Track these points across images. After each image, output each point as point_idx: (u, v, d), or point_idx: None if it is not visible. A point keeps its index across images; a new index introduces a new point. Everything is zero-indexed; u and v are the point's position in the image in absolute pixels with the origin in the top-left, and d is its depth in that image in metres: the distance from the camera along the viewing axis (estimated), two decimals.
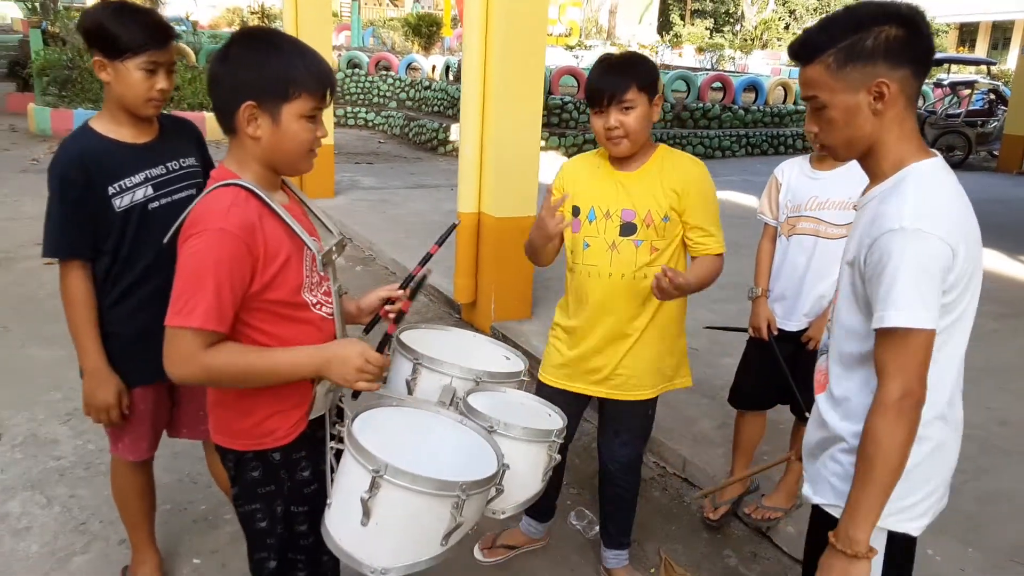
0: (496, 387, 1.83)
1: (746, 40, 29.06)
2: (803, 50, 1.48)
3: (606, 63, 2.22)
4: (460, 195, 4.78)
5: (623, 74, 2.15)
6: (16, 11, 22.23)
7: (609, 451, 2.56)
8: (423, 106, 14.59)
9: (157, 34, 2.01)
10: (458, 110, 12.82)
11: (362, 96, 15.74)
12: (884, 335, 1.39)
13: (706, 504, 3.05)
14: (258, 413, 1.66)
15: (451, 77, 14.46)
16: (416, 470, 1.37)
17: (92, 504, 3.01)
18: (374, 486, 1.37)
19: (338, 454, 1.54)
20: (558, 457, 1.73)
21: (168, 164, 2.15)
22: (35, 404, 3.76)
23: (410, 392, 1.79)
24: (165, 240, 1.58)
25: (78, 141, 2.08)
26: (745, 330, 2.83)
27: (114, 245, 2.09)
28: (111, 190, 2.04)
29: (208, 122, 12.21)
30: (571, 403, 2.47)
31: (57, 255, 2.07)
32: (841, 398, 1.56)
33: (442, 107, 13.89)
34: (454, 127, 12.42)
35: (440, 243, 1.90)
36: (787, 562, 2.87)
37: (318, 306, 1.68)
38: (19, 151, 10.35)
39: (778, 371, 2.73)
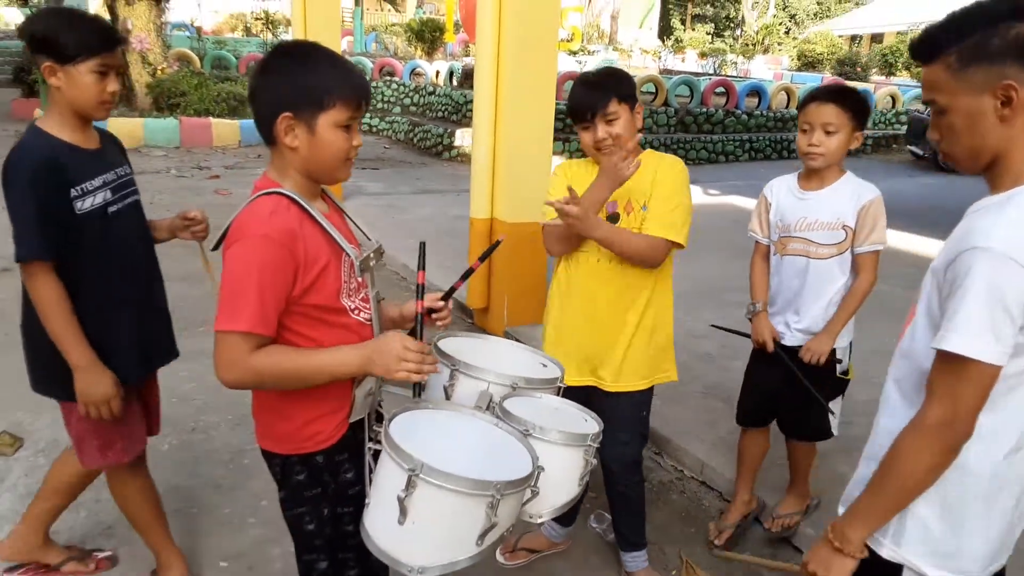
0: (532, 392, 1.86)
1: (747, 45, 29.15)
2: (924, 47, 1.36)
3: (584, 81, 2.35)
4: (473, 200, 4.82)
5: (602, 89, 2.28)
6: (21, 17, 22.29)
7: (610, 451, 2.56)
8: (427, 111, 14.65)
9: (107, 38, 2.07)
10: (462, 115, 13.04)
11: None
12: (942, 357, 1.31)
13: (711, 528, 3.03)
14: (300, 417, 1.71)
15: (455, 82, 14.54)
16: (451, 469, 1.40)
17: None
18: (410, 485, 1.39)
19: (376, 455, 1.56)
20: (594, 461, 1.75)
21: (116, 170, 2.23)
22: (56, 408, 3.78)
23: (448, 398, 1.82)
24: (212, 247, 1.63)
25: (39, 142, 2.07)
26: (750, 336, 2.84)
27: (74, 248, 2.09)
28: (73, 192, 2.07)
29: (214, 128, 12.31)
30: (571, 399, 2.54)
31: (41, 257, 2.03)
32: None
33: (446, 112, 13.95)
34: (459, 132, 12.48)
35: (483, 260, 1.95)
36: None
37: (356, 311, 1.72)
38: None
39: (783, 385, 2.75)
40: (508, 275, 4.75)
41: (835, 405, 2.74)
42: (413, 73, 16.00)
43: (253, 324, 1.51)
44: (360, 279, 1.73)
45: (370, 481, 1.57)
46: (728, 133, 14.13)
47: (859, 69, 23.31)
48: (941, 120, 1.37)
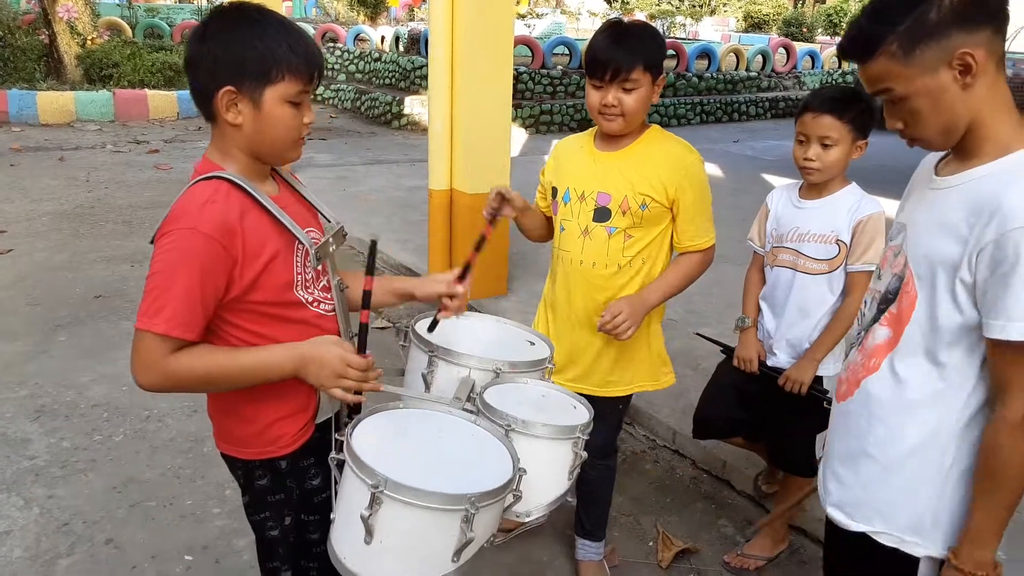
0: (516, 378, 1.75)
1: (695, 6, 29.15)
2: (858, 45, 1.31)
3: (614, 32, 2.06)
4: (431, 171, 4.69)
5: (631, 50, 2.01)
6: None
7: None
8: (374, 79, 14.29)
9: None
10: (411, 82, 12.77)
11: None
12: (1008, 347, 1.25)
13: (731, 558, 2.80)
14: (261, 420, 1.57)
15: (401, 48, 14.19)
16: (420, 483, 1.27)
17: (73, 504, 2.90)
18: (375, 502, 1.26)
19: (341, 465, 1.42)
20: (584, 454, 1.63)
21: None
22: (2, 402, 3.61)
23: (427, 387, 1.71)
24: (150, 241, 1.45)
25: None
26: (731, 350, 2.65)
27: None
28: None
29: (150, 100, 11.82)
30: None
31: None
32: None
33: (394, 79, 13.62)
34: (408, 100, 12.21)
35: (492, 222, 1.87)
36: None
37: (315, 303, 1.57)
38: None
39: (762, 405, 2.55)
40: (469, 248, 4.63)
41: (820, 439, 2.48)
42: (357, 39, 15.54)
43: (171, 326, 1.35)
44: (320, 268, 1.58)
45: (335, 493, 1.43)
46: (679, 96, 14.10)
47: (805, 30, 23.52)
48: (901, 107, 1.31)
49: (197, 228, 1.36)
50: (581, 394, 2.31)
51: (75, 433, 3.36)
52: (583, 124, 12.64)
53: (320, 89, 14.58)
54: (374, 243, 1.51)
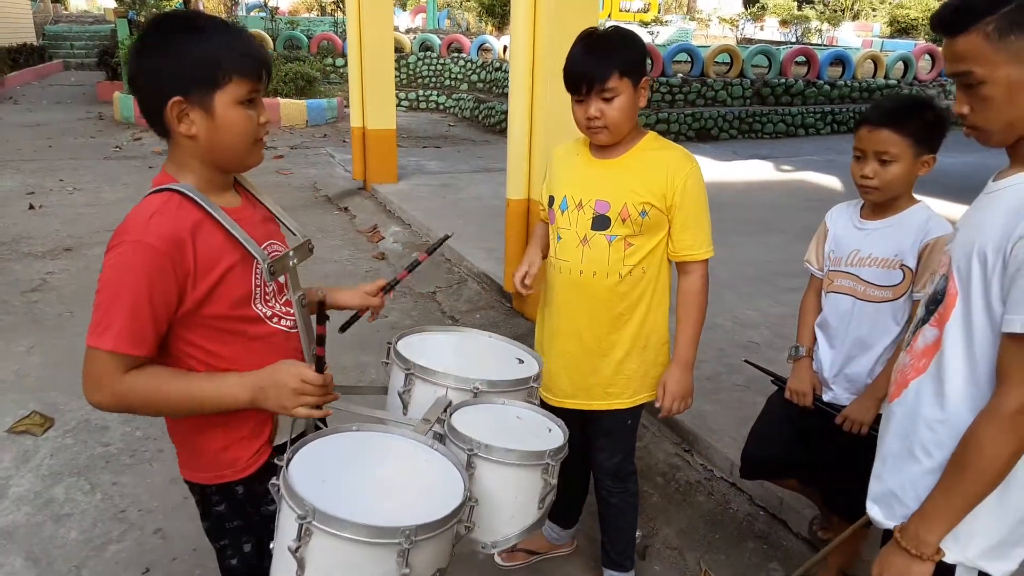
0: (494, 398, 1.67)
1: (835, 11, 27.70)
2: (956, 17, 1.28)
3: (586, 43, 2.01)
4: (509, 181, 4.65)
5: (603, 58, 1.96)
6: (111, 1, 23.18)
7: (591, 458, 2.42)
8: (494, 88, 14.47)
9: None
10: None
11: (434, 79, 15.76)
12: (1014, 340, 1.26)
13: None
14: (215, 443, 1.53)
15: None
16: (348, 515, 1.19)
17: (133, 492, 3.06)
18: (303, 534, 1.20)
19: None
20: (554, 482, 1.53)
21: None
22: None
23: (405, 407, 1.65)
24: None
25: None
26: (783, 381, 2.44)
27: None
28: None
29: (282, 108, 12.48)
30: (573, 418, 2.34)
31: None
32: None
33: None
34: None
35: (430, 252, 1.81)
36: None
37: (275, 319, 1.52)
38: (104, 138, 10.78)
39: (815, 441, 2.33)
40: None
41: None
42: (481, 49, 15.81)
43: (120, 343, 1.33)
44: (281, 282, 1.54)
45: (277, 523, 1.36)
46: (808, 104, 13.44)
47: None
48: (975, 92, 1.29)
49: (143, 240, 1.33)
50: (586, 410, 2.27)
51: (149, 424, 3.54)
52: (701, 134, 12.27)
53: (442, 99, 14.97)
54: (322, 305, 1.42)
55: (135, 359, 1.36)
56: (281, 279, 1.54)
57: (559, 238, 2.18)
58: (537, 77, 4.35)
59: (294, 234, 1.65)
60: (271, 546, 1.34)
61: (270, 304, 1.52)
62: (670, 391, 2.18)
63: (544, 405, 2.28)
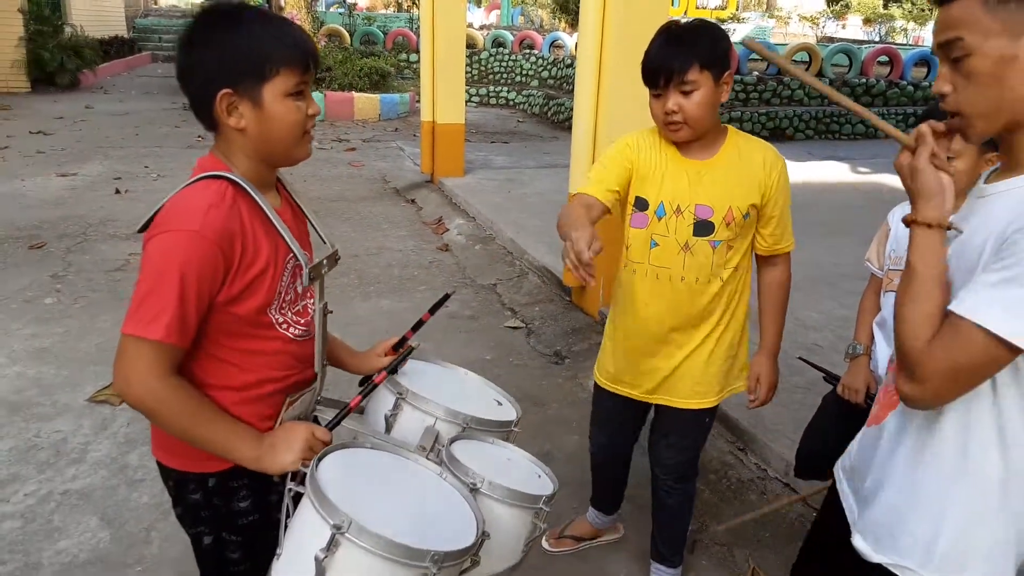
0: (483, 436, 1.65)
1: (923, 10, 26.67)
2: None
3: (665, 35, 1.96)
4: (572, 175, 4.69)
5: (683, 50, 1.89)
6: None
7: (656, 454, 2.39)
8: (564, 84, 14.47)
9: None
10: None
11: (505, 75, 15.86)
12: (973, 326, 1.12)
13: None
14: None
15: None
16: (384, 531, 1.19)
17: None
18: (333, 544, 1.18)
19: (297, 497, 1.34)
20: (544, 527, 1.51)
21: None
22: None
23: (388, 428, 1.63)
24: (138, 229, 1.44)
25: None
26: (836, 379, 2.43)
27: None
28: None
29: (356, 102, 12.76)
30: (627, 408, 2.36)
31: None
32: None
33: None
34: None
35: (432, 311, 1.78)
36: None
37: (284, 325, 1.50)
38: (187, 128, 11.20)
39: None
40: (605, 254, 4.53)
41: None
42: (553, 45, 15.84)
43: (169, 333, 1.30)
44: (299, 290, 1.53)
45: (285, 526, 1.34)
46: (890, 106, 13.02)
47: None
48: (960, 67, 1.15)
49: (201, 233, 1.31)
50: (664, 406, 2.27)
51: None
52: (776, 133, 12.02)
53: (512, 95, 15.05)
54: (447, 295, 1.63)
55: (179, 352, 1.35)
56: (298, 288, 1.54)
57: (654, 244, 2.09)
58: (604, 73, 4.36)
59: (324, 242, 1.65)
60: (278, 551, 1.32)
61: (283, 311, 1.50)
62: (765, 381, 2.20)
63: (621, 398, 2.33)
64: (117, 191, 7.49)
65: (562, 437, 3.50)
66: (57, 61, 14.24)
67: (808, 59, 13.32)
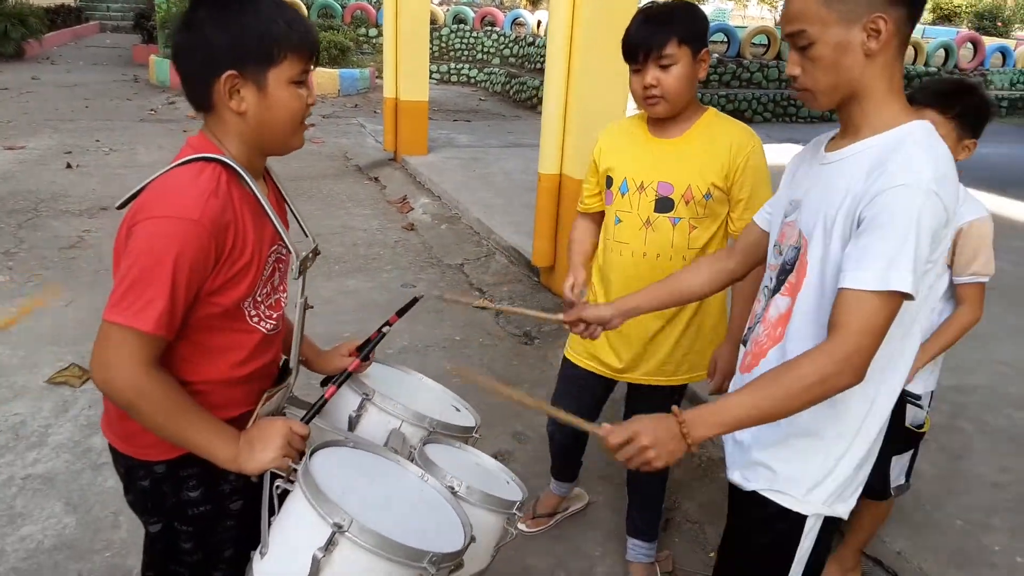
0: (449, 441, 1.63)
1: None
2: None
3: (645, 13, 1.99)
4: (542, 155, 4.66)
5: (662, 25, 1.94)
6: None
7: None
8: (526, 63, 14.40)
9: None
10: None
11: (466, 52, 15.70)
12: (855, 295, 1.27)
13: None
14: None
15: None
16: (384, 531, 1.17)
17: None
18: (332, 543, 1.16)
19: (283, 494, 1.31)
20: (514, 532, 1.54)
21: None
22: None
23: (351, 428, 1.60)
24: (117, 205, 1.37)
25: None
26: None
27: None
28: None
29: (315, 77, 12.46)
30: (594, 385, 2.38)
31: None
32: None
33: (544, 64, 13.65)
34: None
35: (400, 314, 1.74)
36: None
37: (256, 319, 1.45)
38: (139, 101, 10.89)
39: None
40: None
41: (898, 462, 2.34)
42: (514, 23, 15.73)
43: (159, 325, 1.25)
44: (275, 283, 1.49)
45: (269, 523, 1.30)
46: None
47: (1000, 24, 21.29)
48: (805, 54, 1.33)
49: (201, 223, 1.26)
50: (634, 383, 2.29)
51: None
52: (735, 116, 12.07)
53: (473, 72, 14.92)
54: (415, 299, 1.61)
55: (164, 343, 1.30)
56: (275, 281, 1.50)
57: (618, 220, 2.15)
58: (575, 53, 4.34)
59: (306, 235, 1.60)
60: (261, 549, 1.28)
61: (257, 306, 1.45)
62: (721, 369, 2.17)
63: (592, 375, 2.37)
64: (68, 165, 7.25)
65: (533, 418, 3.50)
66: (0, 30, 13.67)
67: (767, 42, 13.46)
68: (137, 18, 16.42)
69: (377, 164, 8.19)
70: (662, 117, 2.06)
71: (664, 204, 2.08)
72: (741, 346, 1.65)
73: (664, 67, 1.95)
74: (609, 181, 2.18)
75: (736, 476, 1.58)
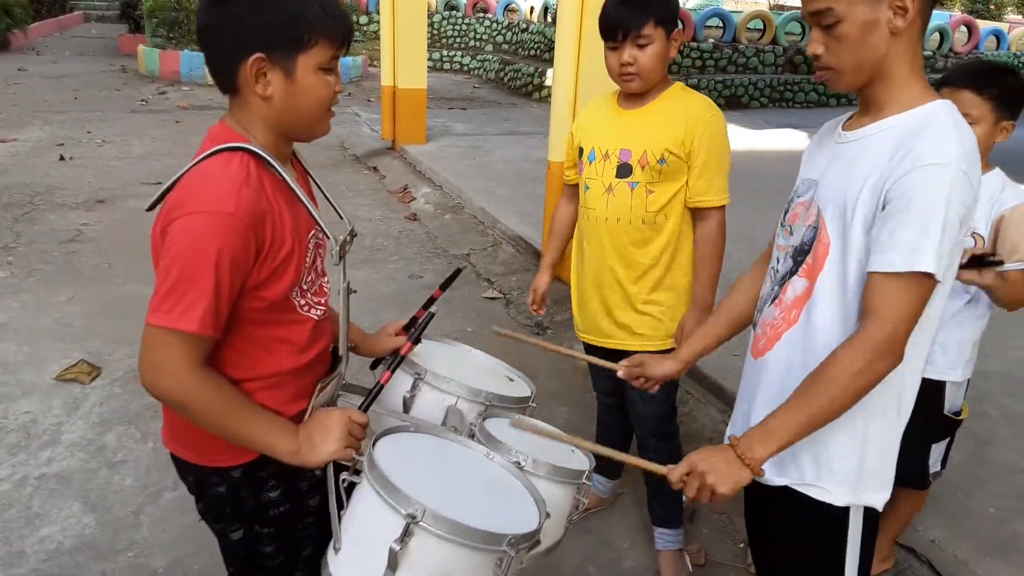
0: (507, 414, 1.59)
1: None
2: None
3: None
4: (551, 142, 4.61)
5: (640, 6, 2.03)
6: None
7: (634, 414, 2.46)
8: (519, 49, 14.29)
9: None
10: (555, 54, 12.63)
11: (459, 39, 15.56)
12: (885, 277, 1.27)
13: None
14: None
15: (549, 19, 14.08)
16: (460, 517, 1.14)
17: None
18: (407, 534, 1.13)
19: (350, 487, 1.28)
20: (585, 501, 1.51)
21: None
22: (135, 341, 3.84)
23: (406, 409, 1.58)
24: (147, 207, 1.33)
25: None
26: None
27: None
28: None
29: None
30: (598, 355, 2.36)
31: None
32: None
33: (539, 51, 13.56)
34: (550, 72, 12.10)
35: (443, 288, 1.72)
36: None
37: (307, 307, 1.42)
38: (129, 91, 10.74)
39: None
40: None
41: (935, 450, 2.30)
42: (507, 9, 15.57)
43: (204, 325, 1.21)
44: (320, 269, 1.46)
45: (339, 518, 1.28)
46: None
47: (992, 7, 21.31)
48: (831, 32, 1.32)
49: (237, 215, 1.22)
50: (621, 351, 2.27)
51: None
52: (731, 101, 12.09)
53: (466, 59, 14.78)
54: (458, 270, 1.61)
55: (212, 343, 1.27)
56: (319, 267, 1.47)
57: (587, 188, 2.26)
58: (584, 39, 4.28)
59: (341, 218, 1.56)
60: (334, 544, 1.26)
61: (304, 295, 1.41)
62: (687, 332, 2.21)
63: (588, 347, 2.43)
64: (61, 157, 7.13)
65: (552, 410, 3.47)
66: None
67: (762, 27, 13.40)
68: (124, 7, 16.19)
69: (375, 153, 8.10)
70: (635, 93, 2.16)
71: (624, 170, 2.17)
72: (751, 328, 1.62)
73: (641, 46, 2.05)
74: (580, 152, 2.29)
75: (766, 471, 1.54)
